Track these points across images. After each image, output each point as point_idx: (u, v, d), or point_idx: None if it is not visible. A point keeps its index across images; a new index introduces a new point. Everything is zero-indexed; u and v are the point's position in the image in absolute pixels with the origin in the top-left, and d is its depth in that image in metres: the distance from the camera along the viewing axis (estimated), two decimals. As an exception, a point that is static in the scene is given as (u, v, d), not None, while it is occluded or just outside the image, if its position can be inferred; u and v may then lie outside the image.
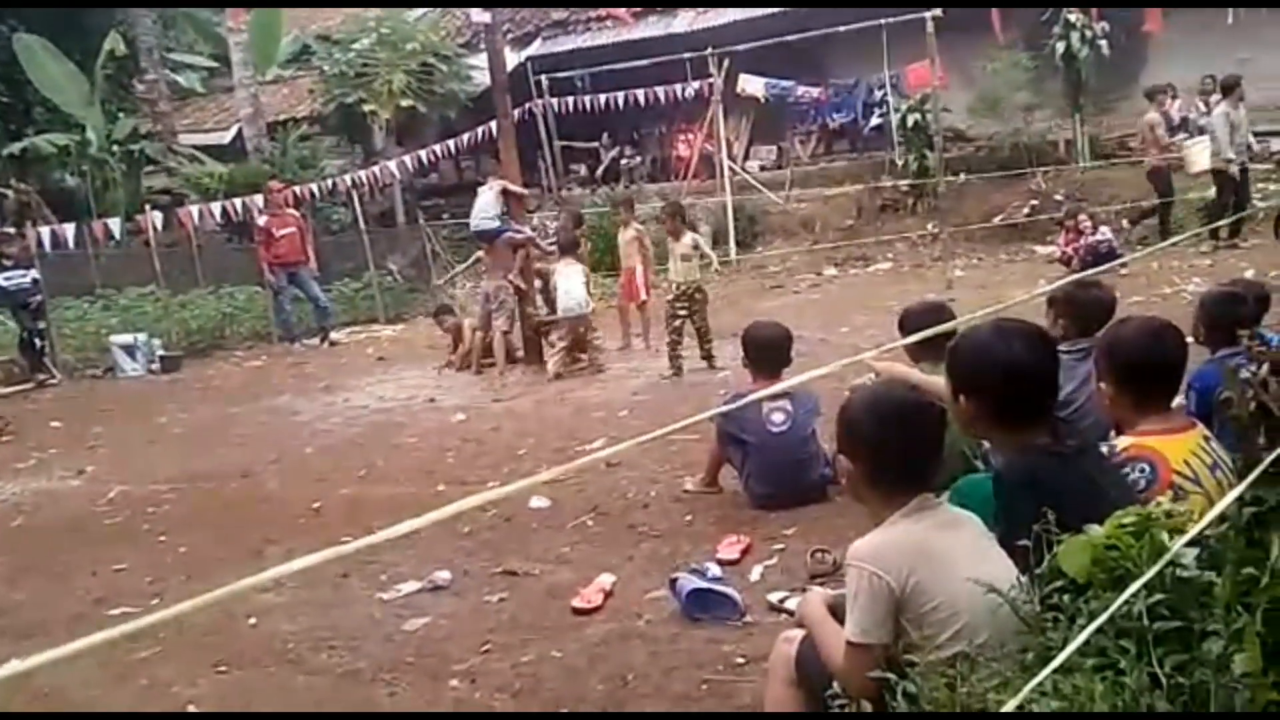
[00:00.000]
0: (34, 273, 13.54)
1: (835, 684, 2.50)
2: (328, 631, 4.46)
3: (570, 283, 10.24)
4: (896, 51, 16.66)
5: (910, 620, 2.42)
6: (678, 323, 9.61)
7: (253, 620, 4.58)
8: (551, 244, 11.44)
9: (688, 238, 9.84)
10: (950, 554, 2.48)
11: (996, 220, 15.91)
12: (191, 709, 3.83)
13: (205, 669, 4.12)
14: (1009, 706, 1.69)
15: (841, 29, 15.94)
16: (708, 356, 9.68)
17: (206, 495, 7.15)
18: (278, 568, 1.38)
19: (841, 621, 2.57)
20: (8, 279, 13.34)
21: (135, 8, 19.96)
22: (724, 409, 5.09)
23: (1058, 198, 15.52)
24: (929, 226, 16.00)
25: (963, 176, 16.40)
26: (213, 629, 4.42)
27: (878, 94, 18.70)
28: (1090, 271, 8.54)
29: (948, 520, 2.60)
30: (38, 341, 13.36)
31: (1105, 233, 12.71)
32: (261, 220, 14.61)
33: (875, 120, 18.99)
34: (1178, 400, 3.37)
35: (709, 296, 9.89)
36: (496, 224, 10.78)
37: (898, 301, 9.20)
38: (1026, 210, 15.86)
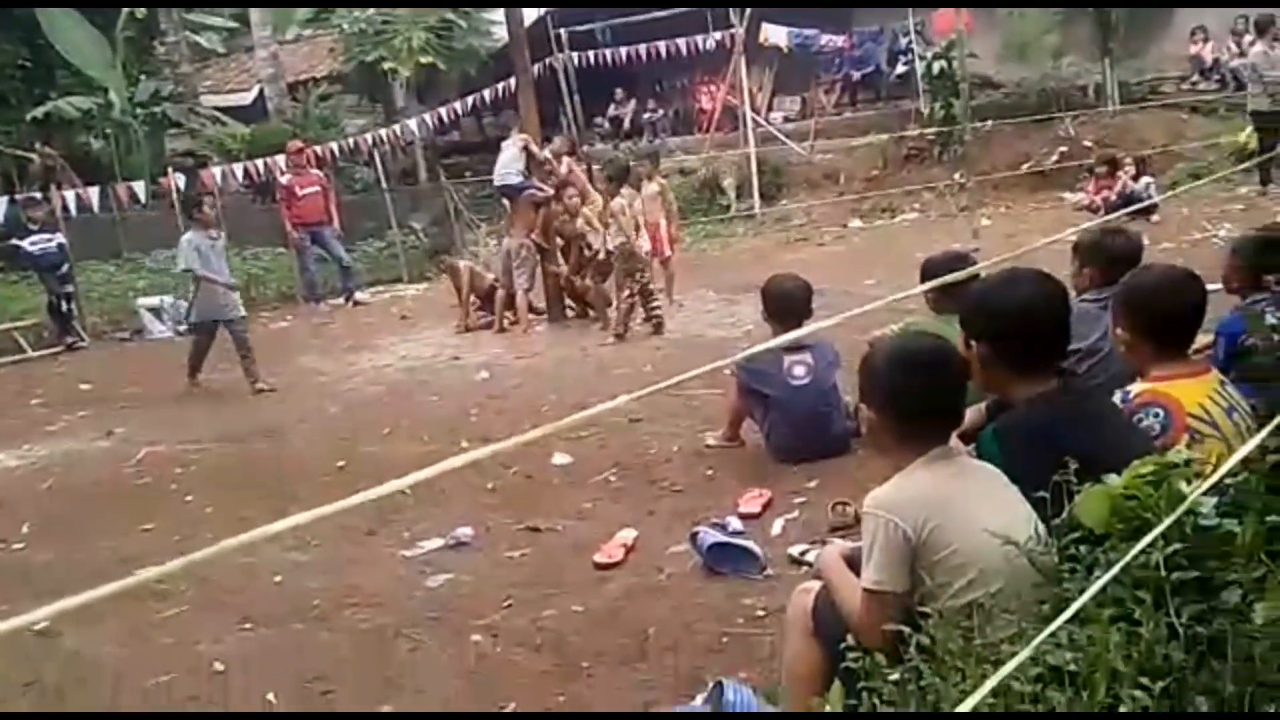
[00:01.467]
0: (60, 237, 13.61)
1: (850, 635, 2.49)
2: (352, 589, 4.49)
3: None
4: (922, -3, 16.41)
5: (925, 568, 2.42)
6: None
7: (278, 578, 4.62)
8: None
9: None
10: (968, 503, 2.47)
11: (1024, 168, 15.69)
12: (217, 666, 3.87)
13: (230, 627, 4.16)
14: (1021, 656, 1.67)
15: (866, -26, 15.70)
16: (650, 318, 9.70)
17: (233, 455, 7.20)
18: (294, 517, 1.37)
19: (858, 572, 2.56)
20: (34, 244, 13.44)
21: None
22: (740, 357, 5.03)
23: (1086, 144, 15.29)
24: (955, 176, 15.80)
25: (990, 124, 16.18)
26: (237, 587, 4.46)
27: (903, 41, 18.42)
28: (1119, 213, 8.42)
29: (967, 469, 2.58)
30: (65, 305, 13.46)
31: (1146, 181, 12.50)
32: (284, 180, 14.60)
33: (900, 68, 18.74)
34: (1204, 347, 3.33)
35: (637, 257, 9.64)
36: (519, 180, 10.74)
37: (923, 252, 9.05)
38: (1055, 157, 15.63)
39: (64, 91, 19.88)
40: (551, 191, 10.83)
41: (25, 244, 13.50)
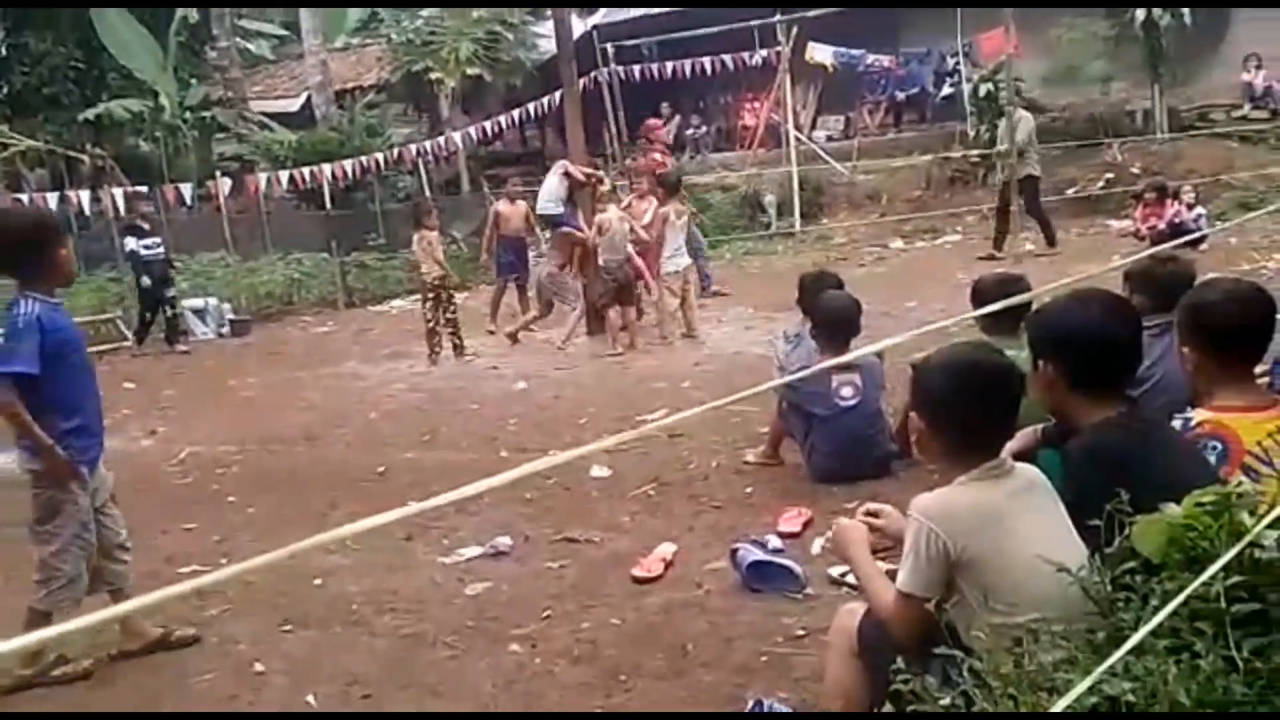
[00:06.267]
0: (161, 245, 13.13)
1: (899, 659, 2.49)
2: (391, 594, 4.51)
3: (679, 238, 10.37)
4: (971, 19, 16.37)
5: (966, 584, 2.42)
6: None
7: (318, 581, 4.65)
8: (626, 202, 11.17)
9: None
10: (1017, 523, 2.45)
11: (1069, 193, 15.57)
12: (258, 667, 3.90)
13: (272, 628, 4.19)
14: (1081, 686, 1.65)
15: (914, -4, 15.66)
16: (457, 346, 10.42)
17: (274, 458, 7.27)
18: (346, 527, 1.37)
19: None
20: (146, 248, 12.88)
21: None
22: (790, 378, 5.03)
23: (1134, 171, 15.16)
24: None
25: (1035, 148, 16.05)
26: (279, 589, 4.49)
27: (950, 63, 18.37)
28: (1167, 245, 8.34)
29: (1019, 488, 2.54)
30: (168, 310, 13.14)
31: (1200, 211, 12.37)
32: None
33: (946, 90, 18.68)
34: (1262, 374, 3.23)
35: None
36: (559, 211, 10.74)
37: (966, 275, 9.06)
38: (1101, 183, 15.51)
39: (115, 94, 20.16)
40: (588, 234, 10.66)
41: (140, 248, 12.88)
